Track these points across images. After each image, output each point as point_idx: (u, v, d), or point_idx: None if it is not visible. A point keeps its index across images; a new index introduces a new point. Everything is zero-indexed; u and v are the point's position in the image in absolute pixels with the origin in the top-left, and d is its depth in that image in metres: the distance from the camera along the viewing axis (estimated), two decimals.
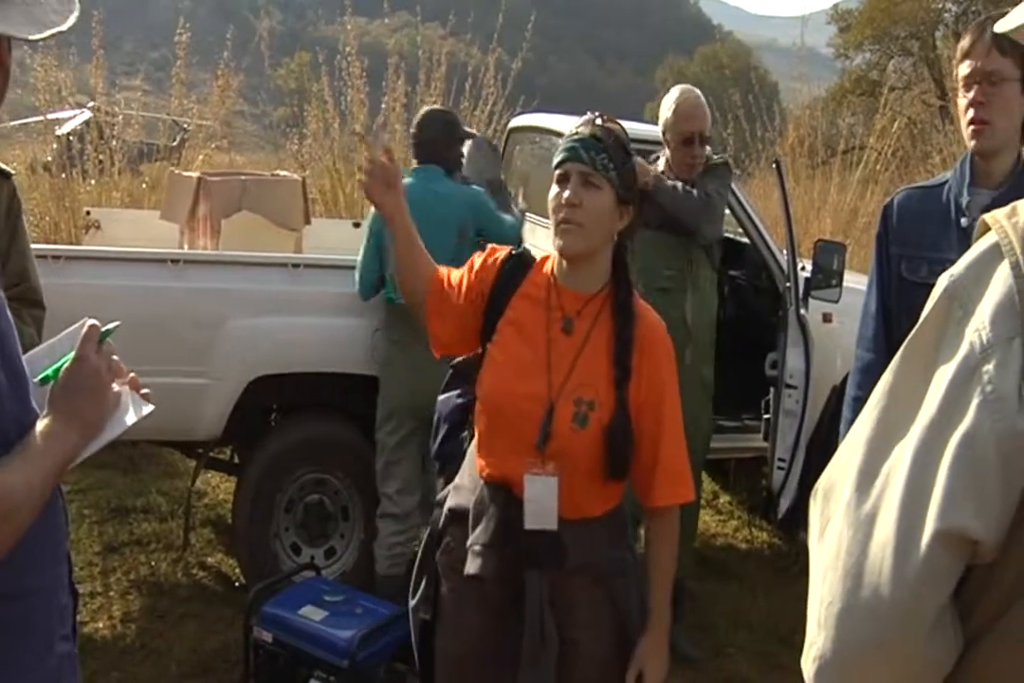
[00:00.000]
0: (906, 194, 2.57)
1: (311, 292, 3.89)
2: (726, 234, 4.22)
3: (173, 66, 7.32)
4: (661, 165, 3.77)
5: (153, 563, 4.22)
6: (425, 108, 4.22)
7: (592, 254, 2.04)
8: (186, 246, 4.74)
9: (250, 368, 3.76)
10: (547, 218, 4.48)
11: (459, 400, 2.27)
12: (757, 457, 4.42)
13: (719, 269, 3.98)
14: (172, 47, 7.47)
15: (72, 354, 1.29)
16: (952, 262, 1.04)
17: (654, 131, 3.93)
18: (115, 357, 1.32)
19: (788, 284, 4.14)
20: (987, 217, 1.03)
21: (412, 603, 2.21)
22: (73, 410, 1.25)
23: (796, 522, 4.14)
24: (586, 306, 2.05)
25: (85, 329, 1.29)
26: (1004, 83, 2.26)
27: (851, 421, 1.14)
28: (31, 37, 1.16)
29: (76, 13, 1.23)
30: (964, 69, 2.30)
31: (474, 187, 3.92)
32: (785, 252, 4.26)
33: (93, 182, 6.47)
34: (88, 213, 5.16)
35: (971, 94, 2.30)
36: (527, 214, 5.12)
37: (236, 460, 4.36)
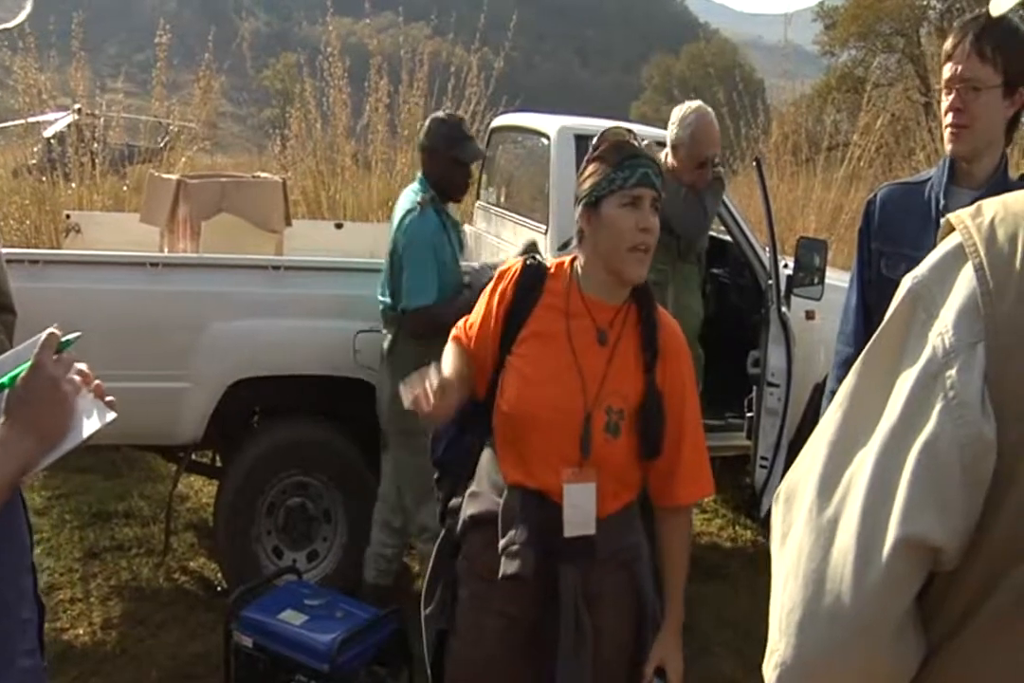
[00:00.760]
0: (888, 190, 2.56)
1: (292, 294, 3.87)
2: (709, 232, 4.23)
3: (155, 68, 7.28)
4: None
5: (134, 568, 4.20)
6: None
7: None
8: (166, 249, 4.73)
9: (230, 371, 3.74)
10: (528, 217, 4.41)
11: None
12: (741, 455, 4.41)
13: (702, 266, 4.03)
14: (160, 49, 7.43)
15: (28, 362, 1.27)
16: None
17: (652, 133, 3.99)
18: (83, 365, 1.31)
19: (770, 282, 4.13)
20: (951, 217, 1.00)
21: (427, 611, 2.22)
22: (29, 418, 1.23)
23: None
24: (616, 316, 2.09)
25: (43, 337, 1.28)
26: (984, 89, 2.26)
27: None
28: None
29: (28, 10, 1.21)
30: (946, 72, 2.30)
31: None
32: (767, 250, 4.25)
33: (75, 185, 6.42)
34: (68, 217, 5.14)
35: (950, 98, 2.29)
36: (507, 212, 5.12)
37: (220, 464, 4.33)
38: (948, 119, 2.32)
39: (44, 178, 6.32)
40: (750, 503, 4.28)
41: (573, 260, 2.15)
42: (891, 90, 11.60)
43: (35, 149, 6.82)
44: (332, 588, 3.48)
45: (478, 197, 5.75)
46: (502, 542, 2.02)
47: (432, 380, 1.93)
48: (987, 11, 1.15)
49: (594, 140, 2.10)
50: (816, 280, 4.12)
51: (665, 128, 3.93)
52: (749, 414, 4.22)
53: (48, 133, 7.60)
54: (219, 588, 4.01)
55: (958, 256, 0.96)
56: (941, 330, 0.94)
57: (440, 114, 3.81)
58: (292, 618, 3.06)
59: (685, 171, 3.76)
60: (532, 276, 2.12)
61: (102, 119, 7.14)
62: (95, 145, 6.64)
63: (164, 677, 3.40)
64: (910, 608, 0.95)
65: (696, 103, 3.85)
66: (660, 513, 2.18)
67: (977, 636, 0.94)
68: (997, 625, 0.92)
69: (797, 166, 8.95)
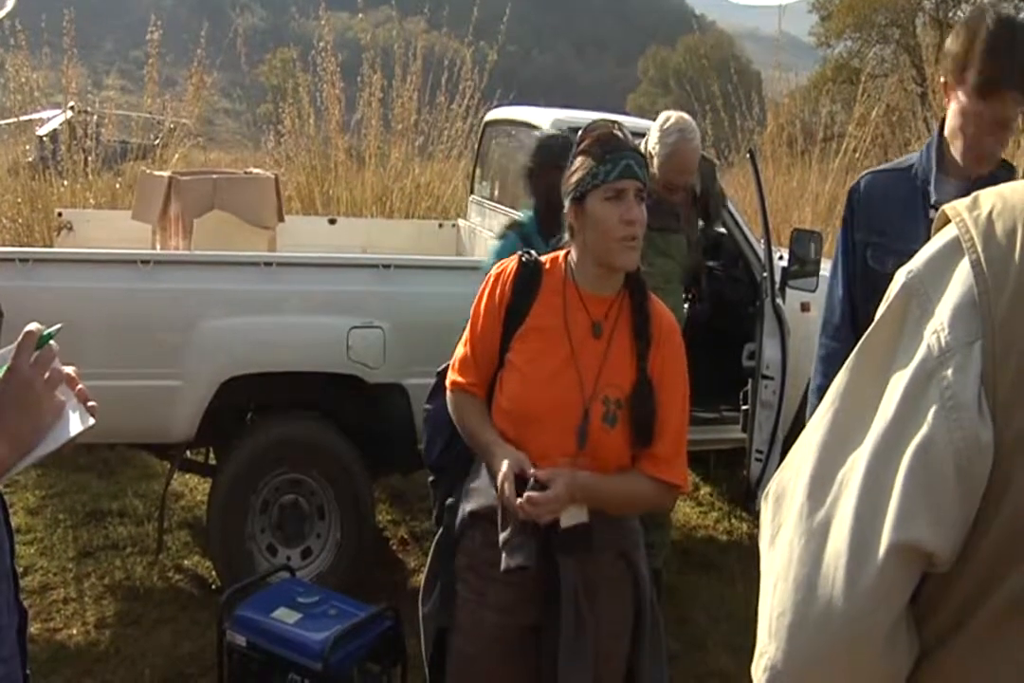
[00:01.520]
0: (872, 178, 2.50)
1: (285, 291, 3.86)
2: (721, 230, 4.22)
3: (146, 64, 7.26)
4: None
5: (128, 567, 4.19)
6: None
7: None
8: (158, 246, 4.72)
9: (223, 368, 3.73)
10: (522, 211, 4.37)
11: None
12: (737, 448, 4.40)
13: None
14: (151, 45, 7.39)
15: (6, 365, 1.23)
16: None
17: (638, 124, 3.94)
18: (70, 369, 1.27)
19: (764, 274, 4.11)
20: (947, 208, 0.98)
21: (425, 609, 2.23)
22: (3, 422, 1.20)
23: None
24: (610, 308, 2.11)
25: (20, 338, 1.23)
26: (1015, 121, 2.25)
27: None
28: None
29: (9, 8, 1.18)
30: (977, 106, 2.21)
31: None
32: (762, 242, 4.23)
33: (66, 183, 6.40)
34: (60, 214, 5.13)
35: (986, 139, 2.25)
36: (500, 207, 5.10)
37: (213, 461, 4.31)
38: (980, 147, 2.27)
39: (36, 176, 6.29)
40: (745, 496, 4.26)
41: (567, 254, 2.15)
42: (887, 81, 11.53)
43: (27, 147, 6.79)
44: (326, 586, 3.46)
45: (472, 191, 5.74)
46: (502, 536, 2.02)
47: (508, 480, 1.94)
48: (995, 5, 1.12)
49: (579, 134, 2.10)
50: (811, 271, 4.10)
51: None
52: (744, 407, 4.21)
53: (42, 131, 7.59)
54: (213, 586, 4.00)
55: (954, 250, 0.94)
56: (936, 328, 0.91)
57: (548, 130, 3.60)
58: (285, 616, 3.04)
59: (657, 185, 3.61)
60: (529, 273, 2.13)
61: (95, 116, 7.10)
62: (88, 142, 6.61)
63: (157, 677, 3.39)
64: (903, 612, 0.93)
65: (684, 121, 3.62)
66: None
67: (972, 638, 0.93)
68: (993, 628, 0.91)
69: (792, 157, 8.91)
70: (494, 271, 2.17)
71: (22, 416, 1.21)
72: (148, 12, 7.64)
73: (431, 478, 2.43)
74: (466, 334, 2.19)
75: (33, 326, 1.26)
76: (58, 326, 1.28)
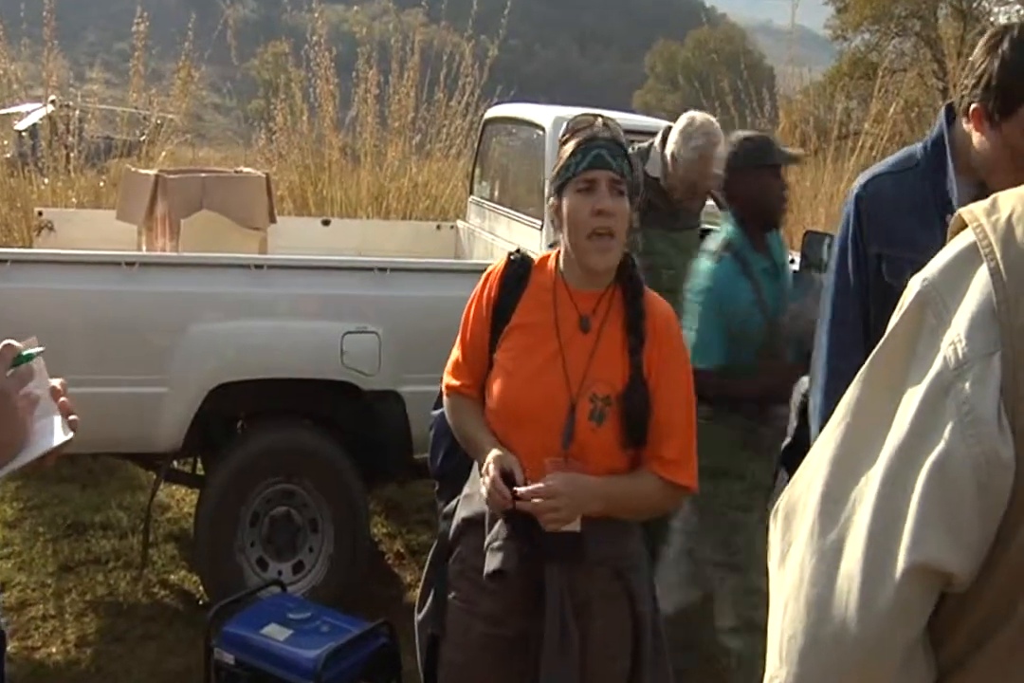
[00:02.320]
0: (878, 184, 2.26)
1: (276, 294, 3.80)
2: (707, 225, 4.11)
3: (132, 57, 7.18)
4: (656, 170, 3.65)
5: (111, 582, 4.11)
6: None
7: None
8: (144, 248, 4.66)
9: (212, 375, 3.67)
10: (523, 212, 4.29)
11: None
12: None
13: None
14: (137, 37, 7.32)
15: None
16: None
17: (645, 122, 3.83)
18: (56, 381, 1.28)
19: None
20: (964, 212, 0.94)
21: (419, 617, 2.21)
22: None
23: None
24: (599, 303, 2.07)
25: None
26: None
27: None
28: None
29: None
30: None
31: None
32: None
33: (47, 181, 6.32)
34: (40, 214, 5.06)
35: None
36: (501, 207, 5.01)
37: (201, 472, 4.25)
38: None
39: (15, 173, 6.20)
40: None
41: (559, 252, 2.15)
42: (906, 75, 11.35)
43: (6, 143, 6.70)
44: (319, 601, 3.38)
45: (471, 192, 5.67)
46: (487, 538, 2.01)
47: (492, 474, 1.93)
48: None
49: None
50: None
51: (668, 118, 3.78)
52: None
53: (21, 126, 7.52)
54: (200, 602, 3.92)
55: (972, 257, 0.90)
56: (953, 339, 0.88)
57: (741, 133, 3.26)
58: (276, 633, 3.00)
59: (678, 190, 3.60)
60: (517, 270, 2.13)
61: (78, 111, 7.01)
62: (70, 138, 6.50)
63: None
64: (920, 635, 0.90)
65: (710, 124, 3.53)
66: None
67: (992, 659, 0.90)
68: (1014, 648, 0.89)
69: (806, 156, 8.77)
70: (487, 271, 2.18)
71: None
72: (134, 2, 7.53)
73: (436, 487, 2.41)
74: (458, 336, 2.19)
75: (11, 341, 1.24)
76: (39, 349, 1.28)
